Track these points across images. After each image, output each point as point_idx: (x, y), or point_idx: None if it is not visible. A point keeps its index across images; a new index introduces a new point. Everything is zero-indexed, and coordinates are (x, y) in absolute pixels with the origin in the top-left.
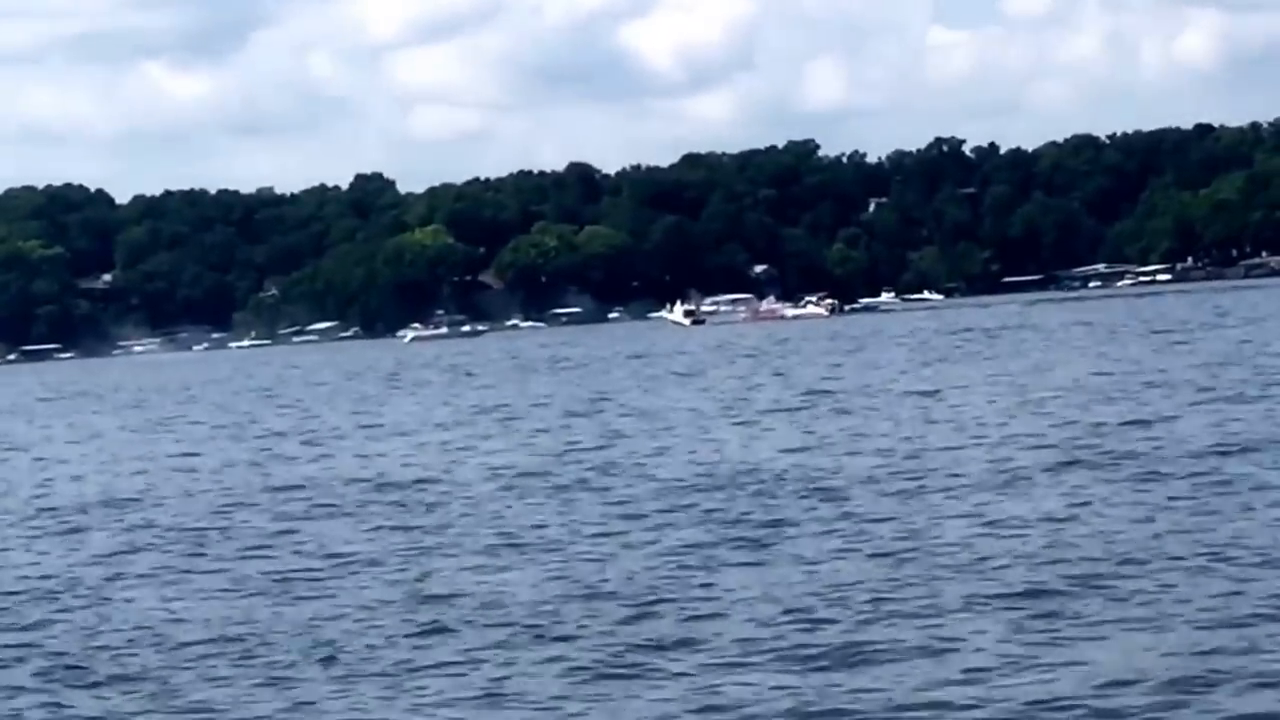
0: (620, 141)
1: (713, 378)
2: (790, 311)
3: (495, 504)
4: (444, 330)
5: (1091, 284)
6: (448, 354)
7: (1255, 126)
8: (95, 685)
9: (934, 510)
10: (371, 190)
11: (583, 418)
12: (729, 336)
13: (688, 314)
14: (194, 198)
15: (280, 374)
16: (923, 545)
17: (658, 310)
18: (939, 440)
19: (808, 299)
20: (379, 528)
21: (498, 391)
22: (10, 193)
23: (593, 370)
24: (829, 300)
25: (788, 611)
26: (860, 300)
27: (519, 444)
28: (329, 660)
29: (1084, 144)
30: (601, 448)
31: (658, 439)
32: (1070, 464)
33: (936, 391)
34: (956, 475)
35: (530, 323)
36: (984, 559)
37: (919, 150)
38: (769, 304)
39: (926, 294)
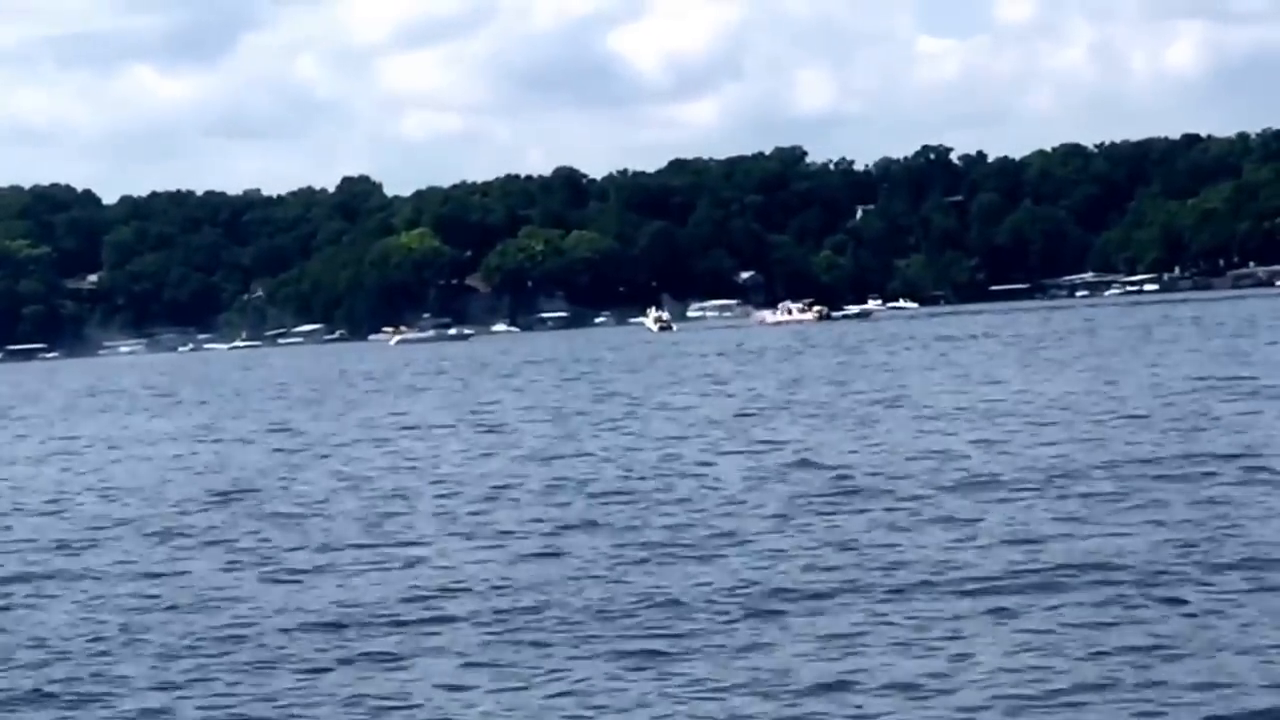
0: (608, 146)
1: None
2: (772, 317)
3: None
4: (430, 334)
5: (1079, 293)
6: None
7: (1243, 136)
8: None
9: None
10: (358, 193)
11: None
12: (668, 342)
13: (657, 321)
14: (181, 199)
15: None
16: None
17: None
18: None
19: (793, 305)
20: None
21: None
22: None
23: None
24: (817, 307)
25: None
26: (848, 307)
27: None
28: None
29: (1072, 153)
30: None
31: None
32: None
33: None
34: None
35: (508, 327)
36: None
37: (906, 158)
38: (787, 307)
39: (902, 302)
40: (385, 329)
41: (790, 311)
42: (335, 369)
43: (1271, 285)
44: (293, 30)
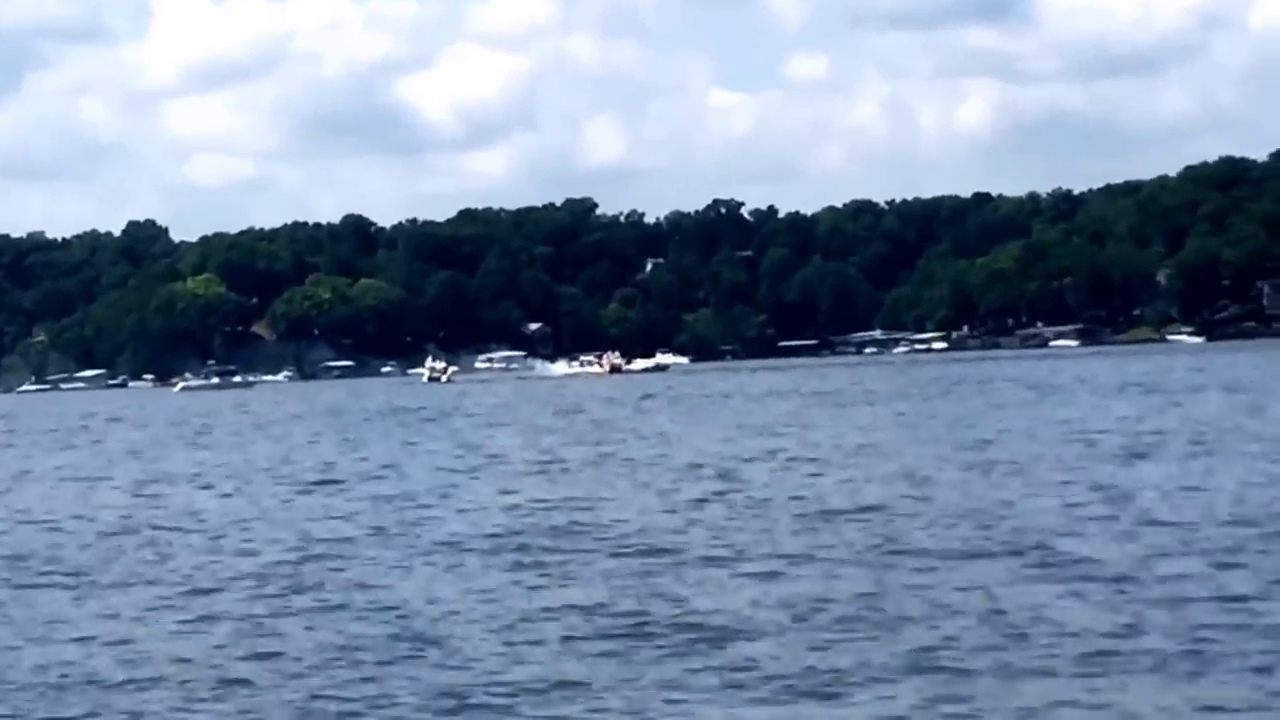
0: (397, 195)
1: None
2: (563, 370)
3: None
4: (215, 381)
5: (867, 350)
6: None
7: (1033, 196)
8: None
9: None
10: (144, 237)
11: None
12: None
13: (431, 371)
14: None
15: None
16: None
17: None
18: None
19: (585, 358)
20: None
21: None
22: None
23: None
24: (609, 359)
25: None
26: (637, 361)
27: None
28: None
29: (862, 209)
30: None
31: None
32: None
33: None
34: None
35: (292, 376)
36: None
37: (697, 212)
38: (582, 359)
39: (673, 357)
40: (145, 376)
41: (584, 363)
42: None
43: (1046, 345)
44: (79, 72)
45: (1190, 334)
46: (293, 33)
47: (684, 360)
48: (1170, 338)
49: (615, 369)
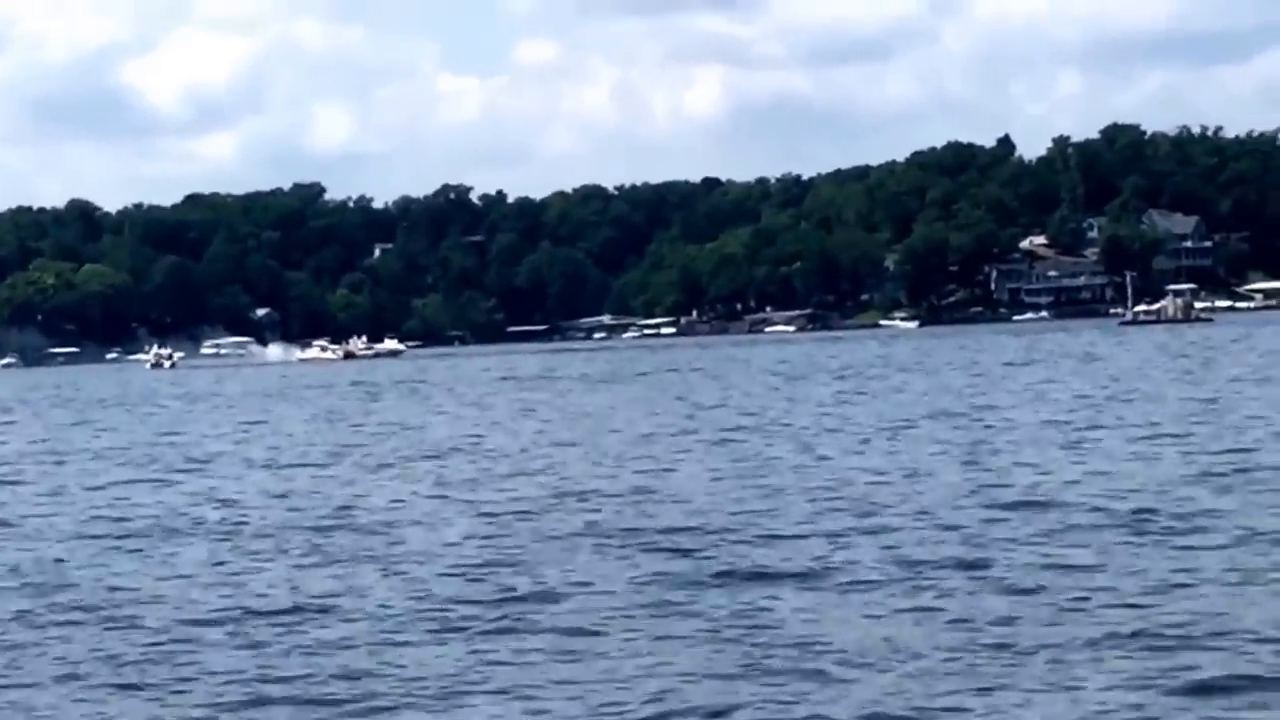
0: (122, 179)
1: None
2: (279, 355)
3: None
4: None
5: (596, 335)
6: None
7: (762, 181)
8: None
9: None
10: None
11: None
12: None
13: (155, 358)
14: None
15: None
16: None
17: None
18: None
19: (319, 343)
20: None
21: None
22: None
23: None
24: (353, 344)
25: None
26: (372, 346)
27: None
28: None
29: (592, 195)
30: None
31: None
32: None
33: None
34: None
35: (14, 362)
36: None
37: (426, 197)
38: (319, 344)
39: (388, 343)
40: None
41: (322, 349)
42: None
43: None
44: None
45: (904, 319)
46: (16, 16)
47: (403, 348)
48: (883, 323)
49: (349, 355)
